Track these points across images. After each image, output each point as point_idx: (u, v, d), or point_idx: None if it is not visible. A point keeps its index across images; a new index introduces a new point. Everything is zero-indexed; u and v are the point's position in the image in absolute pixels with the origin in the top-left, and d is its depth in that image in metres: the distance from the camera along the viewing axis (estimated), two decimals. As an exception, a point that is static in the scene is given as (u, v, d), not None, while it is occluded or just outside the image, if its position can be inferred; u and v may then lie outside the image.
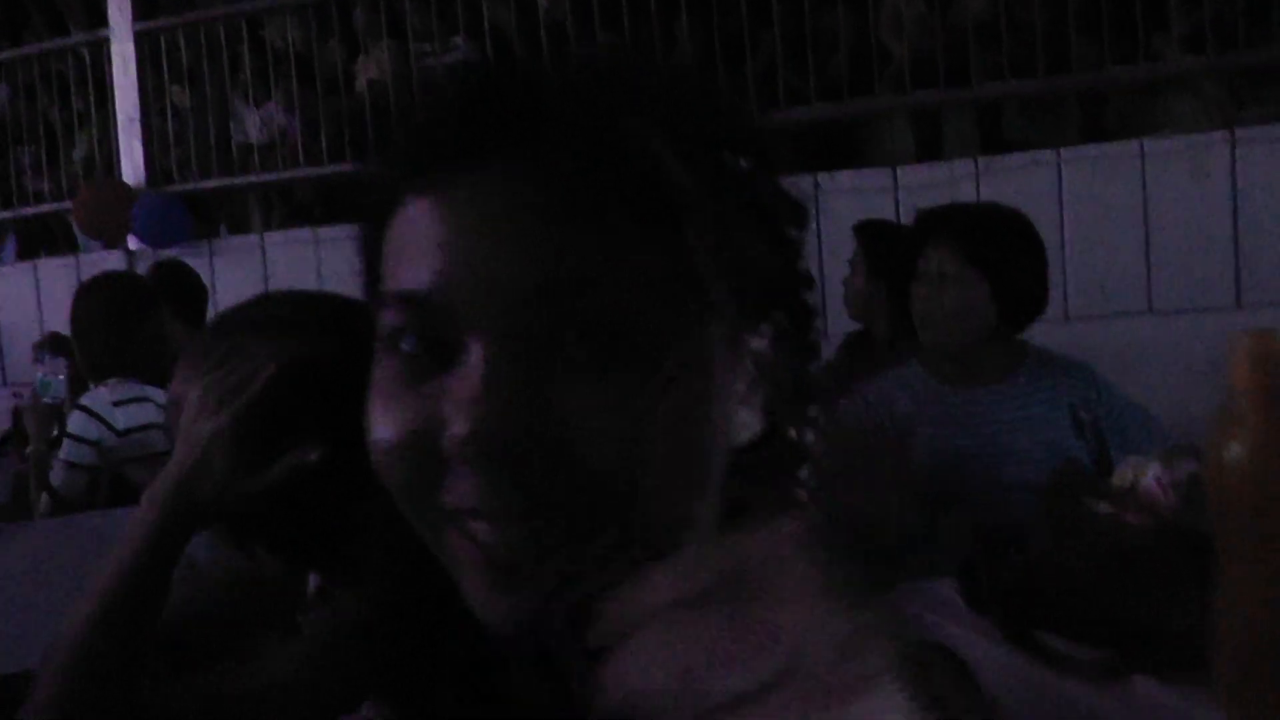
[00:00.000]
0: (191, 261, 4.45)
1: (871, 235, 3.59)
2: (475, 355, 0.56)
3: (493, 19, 5.43)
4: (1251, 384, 1.27)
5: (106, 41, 6.23)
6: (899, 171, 4.41)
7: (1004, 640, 1.41)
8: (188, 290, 4.00)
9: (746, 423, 0.61)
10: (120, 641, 1.19)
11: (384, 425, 0.59)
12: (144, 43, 6.17)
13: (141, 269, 4.84)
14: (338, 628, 1.20)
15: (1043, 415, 2.36)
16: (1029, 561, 1.46)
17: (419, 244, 0.59)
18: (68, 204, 6.17)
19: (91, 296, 3.30)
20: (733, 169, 0.61)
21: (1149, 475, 1.58)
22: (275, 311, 1.31)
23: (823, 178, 4.37)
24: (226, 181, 6.13)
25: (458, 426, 0.55)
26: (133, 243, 5.91)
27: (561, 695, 0.59)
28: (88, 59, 6.38)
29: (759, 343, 0.62)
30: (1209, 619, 1.32)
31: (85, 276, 3.90)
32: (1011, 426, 2.36)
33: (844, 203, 4.15)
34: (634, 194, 0.57)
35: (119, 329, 3.21)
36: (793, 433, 0.64)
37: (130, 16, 6.15)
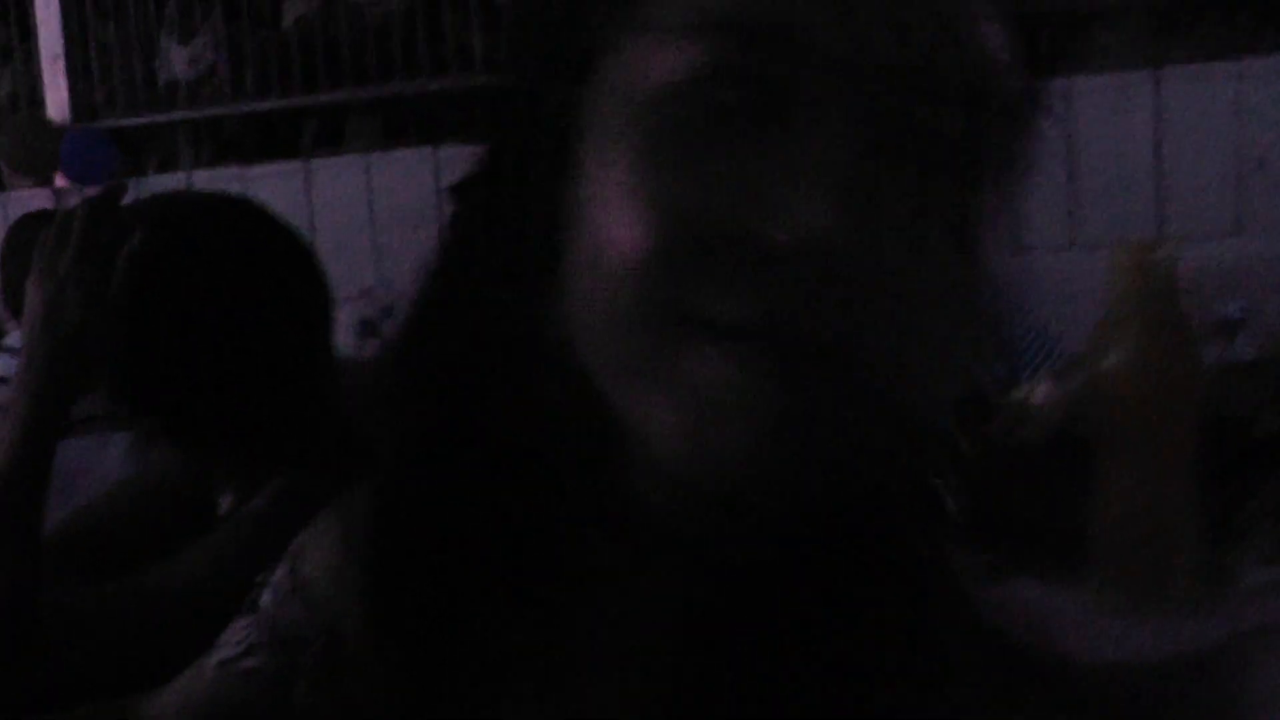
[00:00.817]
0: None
1: None
2: (840, 126, 0.46)
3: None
4: (1130, 292, 1.33)
5: (29, -26, 6.15)
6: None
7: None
8: None
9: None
10: (14, 509, 1.16)
11: (659, 198, 0.47)
12: (68, -25, 6.08)
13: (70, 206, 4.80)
14: (259, 518, 1.23)
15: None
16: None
17: None
18: (-8, 141, 6.08)
19: (15, 235, 3.31)
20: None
21: (1039, 392, 1.65)
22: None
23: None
24: (154, 118, 6.08)
25: (806, 207, 0.44)
26: (59, 180, 5.87)
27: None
28: (11, -6, 6.32)
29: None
30: (1089, 521, 1.39)
31: (12, 214, 3.89)
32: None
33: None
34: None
35: None
36: None
37: (54, -51, 6.06)
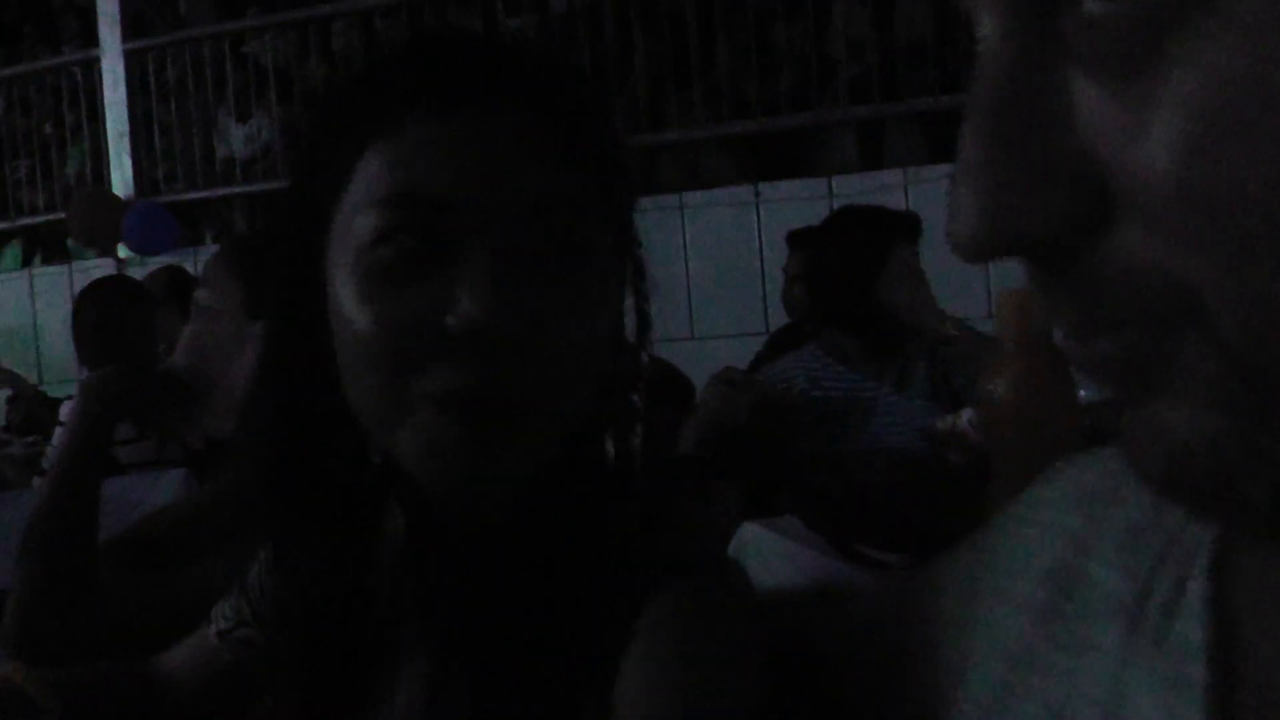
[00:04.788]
0: (179, 268, 4.72)
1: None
2: (482, 250, 0.65)
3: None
4: (1014, 332, 1.54)
5: (97, 60, 6.48)
6: (834, 181, 4.71)
7: (833, 551, 1.71)
8: (185, 292, 4.27)
9: (619, 332, 0.75)
10: (68, 515, 1.41)
11: (377, 311, 0.66)
12: (133, 61, 6.42)
13: (136, 275, 5.09)
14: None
15: (923, 391, 2.67)
16: (853, 492, 1.77)
17: (421, 157, 0.66)
18: (61, 214, 6.38)
19: (86, 298, 3.59)
20: (620, 149, 0.74)
21: (964, 419, 1.88)
22: None
23: (763, 186, 4.65)
24: (211, 193, 6.37)
25: (469, 306, 0.63)
26: (123, 251, 6.15)
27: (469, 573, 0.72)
28: (79, 76, 6.61)
29: (619, 282, 0.75)
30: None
31: (78, 282, 4.14)
32: (895, 400, 2.66)
33: (782, 210, 4.44)
34: (589, 148, 0.69)
35: (110, 326, 3.47)
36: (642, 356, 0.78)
37: (120, 36, 6.40)
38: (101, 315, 3.49)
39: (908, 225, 2.67)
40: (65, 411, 3.40)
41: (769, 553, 1.77)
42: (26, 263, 6.79)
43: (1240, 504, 0.35)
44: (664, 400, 2.75)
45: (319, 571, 0.76)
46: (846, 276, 2.64)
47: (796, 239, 3.77)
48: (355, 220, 0.67)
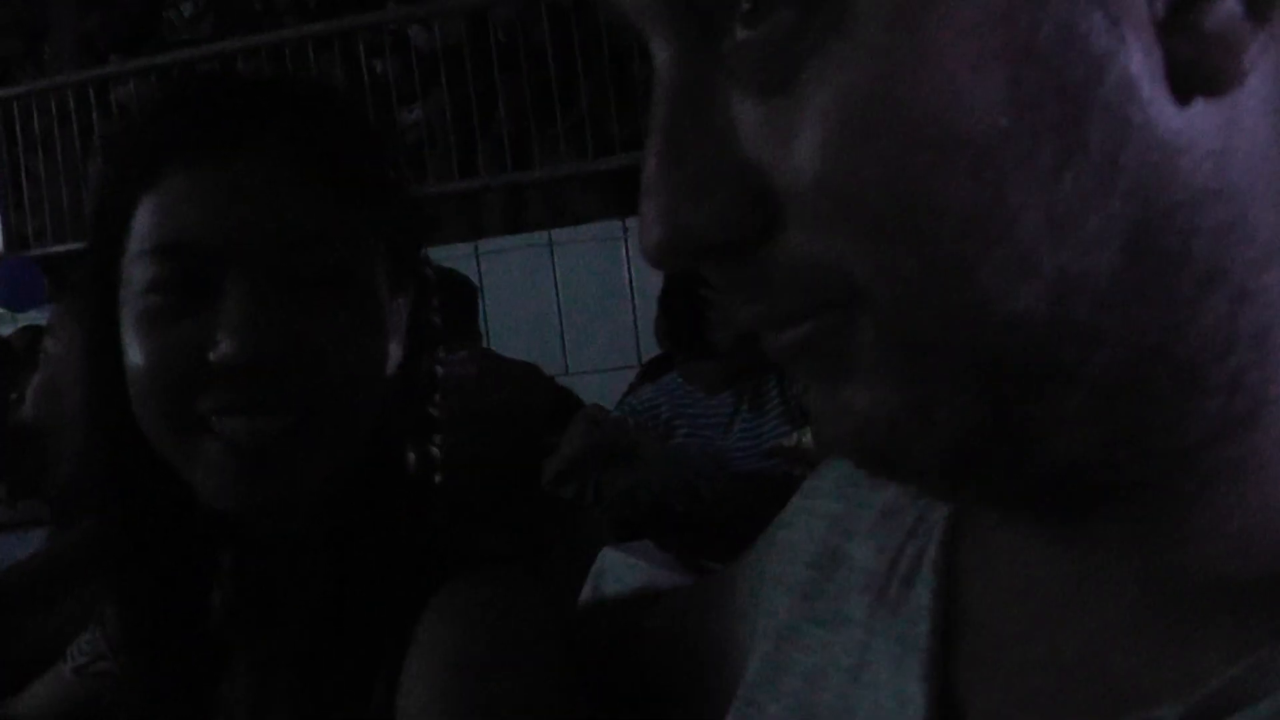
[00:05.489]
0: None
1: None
2: (238, 289, 0.70)
3: (324, 77, 5.69)
4: None
5: (-39, 111, 6.35)
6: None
7: (683, 568, 1.79)
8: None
9: (394, 354, 0.79)
10: None
11: (148, 351, 0.71)
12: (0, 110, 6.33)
13: (3, 333, 5.00)
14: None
15: (775, 410, 2.77)
16: (699, 511, 1.86)
17: (180, 207, 0.71)
18: (-71, 270, 6.22)
19: None
20: (390, 178, 0.79)
21: (808, 436, 1.99)
22: None
23: (630, 221, 4.72)
24: (83, 244, 6.22)
25: (226, 344, 0.69)
26: (-8, 307, 6.04)
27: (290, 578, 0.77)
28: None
29: (402, 302, 0.80)
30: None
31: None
32: (753, 422, 2.76)
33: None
34: (347, 180, 0.74)
35: None
36: (425, 368, 0.84)
37: (-18, 86, 6.27)
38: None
39: None
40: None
41: (626, 575, 1.84)
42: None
43: (917, 469, 0.39)
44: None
45: (157, 595, 0.80)
46: (692, 304, 2.76)
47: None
48: (132, 270, 0.72)
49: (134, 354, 0.72)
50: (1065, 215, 0.34)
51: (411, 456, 0.82)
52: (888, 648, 0.48)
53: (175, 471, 0.76)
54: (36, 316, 5.06)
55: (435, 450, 0.83)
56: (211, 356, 0.69)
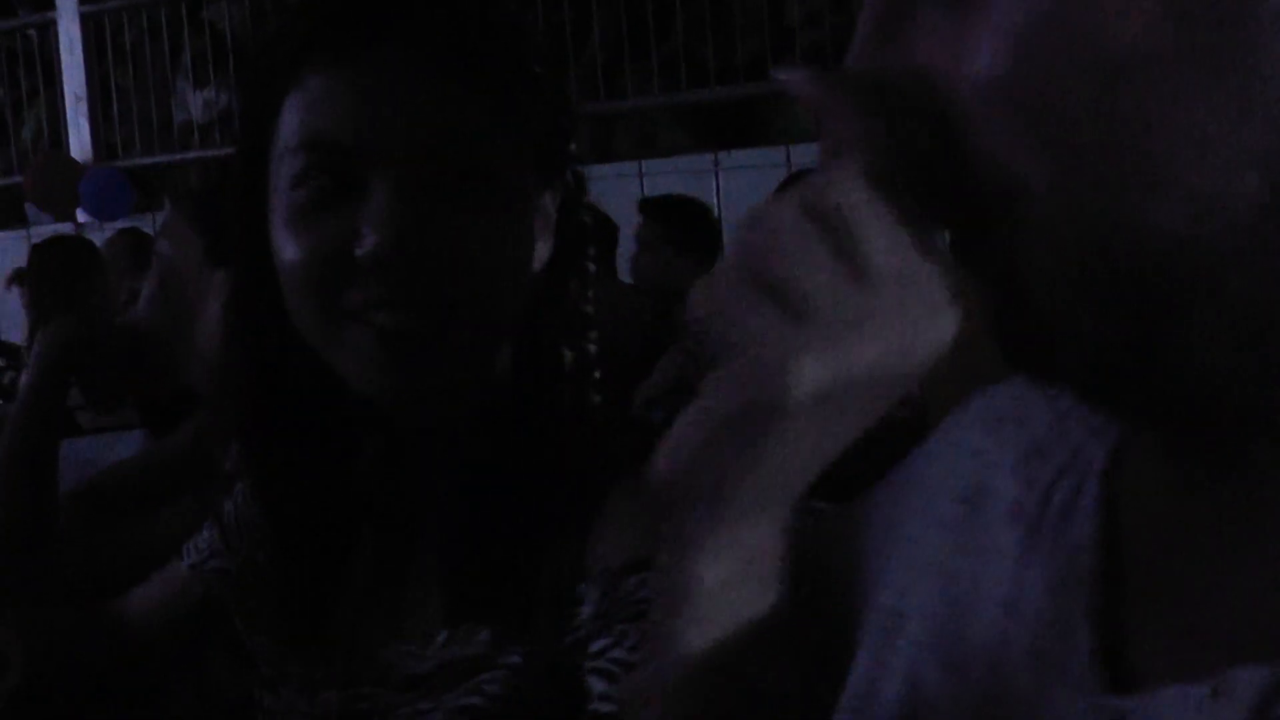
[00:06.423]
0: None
1: (676, 212, 3.78)
2: (381, 186, 0.72)
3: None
4: None
5: (53, 23, 6.41)
6: (791, 149, 4.74)
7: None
8: (146, 253, 4.23)
9: (542, 253, 0.80)
10: (27, 461, 1.43)
11: (298, 246, 0.74)
12: (89, 24, 6.36)
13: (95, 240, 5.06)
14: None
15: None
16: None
17: (323, 105, 0.73)
18: (18, 178, 6.33)
19: (39, 255, 3.58)
20: (541, 70, 0.80)
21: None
22: None
23: (721, 155, 4.69)
24: (169, 158, 6.35)
25: (370, 240, 0.71)
26: (80, 215, 6.10)
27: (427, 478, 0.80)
28: (35, 40, 6.57)
29: (550, 198, 0.81)
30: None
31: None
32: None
33: (741, 177, 4.48)
34: (490, 75, 0.75)
35: (63, 282, 3.44)
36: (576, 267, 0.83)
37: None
38: (55, 271, 3.48)
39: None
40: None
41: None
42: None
43: (1067, 376, 0.43)
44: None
45: (299, 478, 0.82)
46: None
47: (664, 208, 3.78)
48: (279, 166, 0.75)
49: (284, 249, 0.74)
50: (1205, 138, 0.36)
51: (568, 353, 0.81)
52: (1046, 578, 0.49)
53: (322, 361, 0.77)
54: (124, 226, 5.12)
55: (591, 347, 0.82)
56: (357, 252, 0.71)
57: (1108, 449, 0.51)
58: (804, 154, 4.62)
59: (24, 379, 1.56)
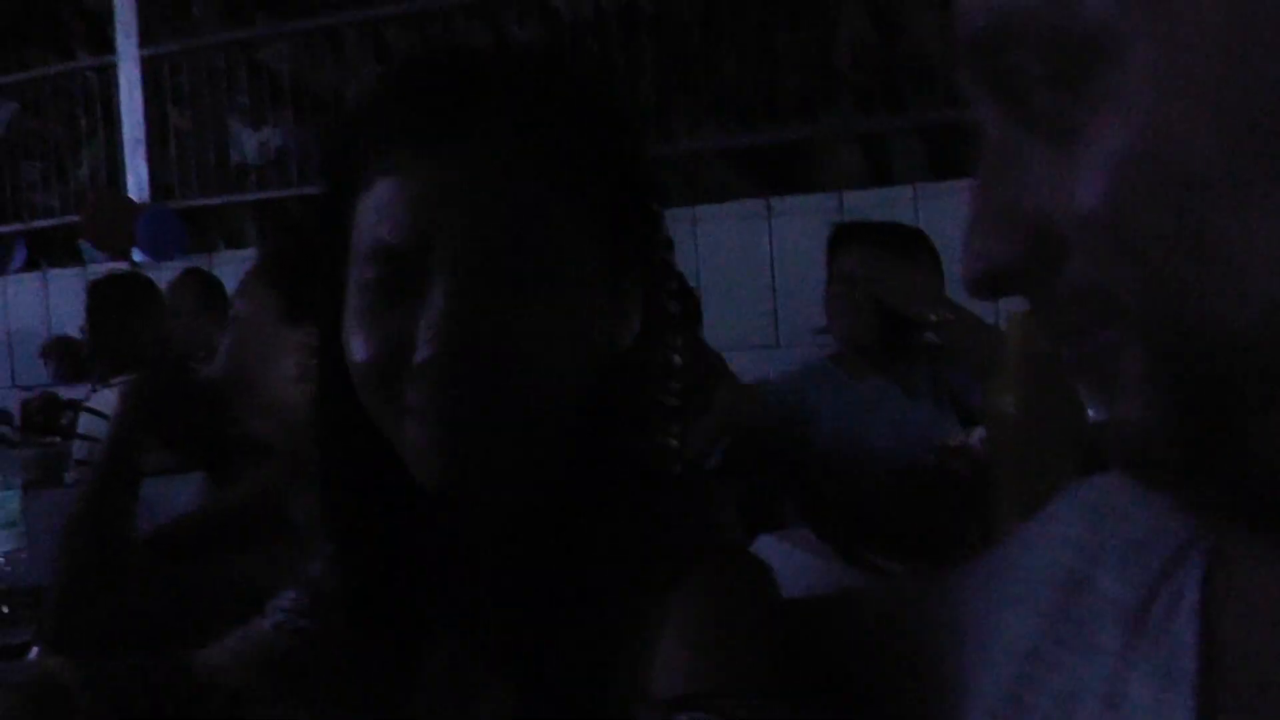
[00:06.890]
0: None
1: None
2: (438, 290, 0.71)
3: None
4: (1022, 352, 1.59)
5: (113, 65, 6.52)
6: (844, 196, 4.75)
7: (841, 559, 1.76)
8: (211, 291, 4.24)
9: (623, 340, 0.78)
10: (108, 510, 1.47)
11: (360, 347, 0.75)
12: (149, 67, 6.46)
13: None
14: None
15: (927, 398, 2.72)
16: (861, 500, 1.82)
17: (396, 210, 0.72)
18: (74, 217, 6.38)
19: (99, 292, 3.62)
20: (623, 149, 0.77)
21: (974, 436, 1.93)
22: None
23: (774, 201, 4.69)
24: (225, 199, 6.42)
25: (426, 350, 0.71)
26: (136, 255, 6.15)
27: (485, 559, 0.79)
28: (95, 82, 6.67)
29: (631, 284, 0.78)
30: (993, 531, 1.65)
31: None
32: (902, 410, 2.71)
33: (792, 224, 4.49)
34: (565, 167, 0.73)
35: (123, 320, 3.50)
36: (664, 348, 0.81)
37: (136, 42, 6.45)
38: (114, 308, 3.52)
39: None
40: (83, 421, 3.43)
41: (781, 566, 1.81)
42: (36, 267, 6.81)
43: (1169, 479, 0.46)
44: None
45: (374, 566, 0.82)
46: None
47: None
48: (352, 270, 0.75)
49: (353, 348, 0.75)
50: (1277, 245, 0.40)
51: (641, 445, 0.79)
52: (1148, 678, 0.51)
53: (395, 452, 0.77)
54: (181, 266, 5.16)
55: (673, 441, 0.80)
56: (415, 359, 0.71)
57: (1207, 549, 0.53)
58: (857, 200, 4.64)
59: (107, 429, 1.58)
